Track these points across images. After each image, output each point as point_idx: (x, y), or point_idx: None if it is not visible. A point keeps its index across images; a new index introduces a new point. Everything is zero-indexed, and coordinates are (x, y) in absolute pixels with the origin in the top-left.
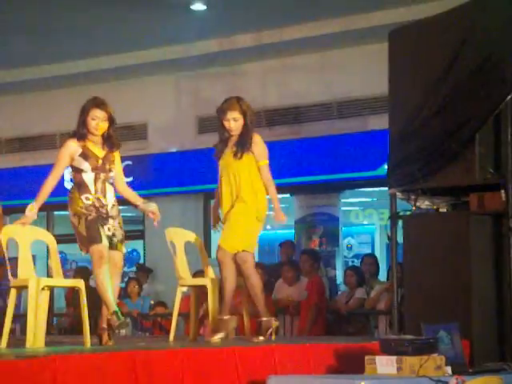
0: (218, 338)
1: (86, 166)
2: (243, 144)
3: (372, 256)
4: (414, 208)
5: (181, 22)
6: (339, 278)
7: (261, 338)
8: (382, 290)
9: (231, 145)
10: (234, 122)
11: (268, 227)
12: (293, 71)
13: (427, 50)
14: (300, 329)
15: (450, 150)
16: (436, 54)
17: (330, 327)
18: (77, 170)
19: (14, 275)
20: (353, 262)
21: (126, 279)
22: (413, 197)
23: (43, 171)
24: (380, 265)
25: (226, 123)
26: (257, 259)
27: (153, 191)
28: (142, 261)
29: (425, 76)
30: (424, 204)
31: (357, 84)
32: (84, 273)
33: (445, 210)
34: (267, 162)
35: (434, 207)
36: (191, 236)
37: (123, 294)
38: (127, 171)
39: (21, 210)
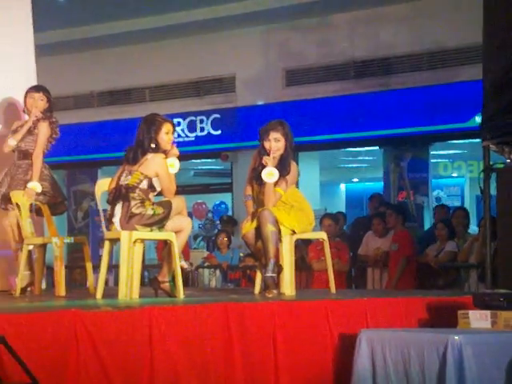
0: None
1: None
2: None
3: (463, 209)
4: (508, 160)
5: None
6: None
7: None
8: (472, 242)
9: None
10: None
11: (355, 180)
12: (382, 22)
13: None
14: (389, 281)
15: None
16: None
17: (419, 280)
18: None
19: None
20: None
21: (215, 231)
22: (507, 149)
23: (133, 124)
24: (470, 218)
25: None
26: (344, 211)
27: (240, 144)
28: (230, 213)
29: None
30: None
31: (447, 34)
32: None
33: None
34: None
35: None
36: None
37: (213, 247)
38: (215, 124)
39: (112, 163)
